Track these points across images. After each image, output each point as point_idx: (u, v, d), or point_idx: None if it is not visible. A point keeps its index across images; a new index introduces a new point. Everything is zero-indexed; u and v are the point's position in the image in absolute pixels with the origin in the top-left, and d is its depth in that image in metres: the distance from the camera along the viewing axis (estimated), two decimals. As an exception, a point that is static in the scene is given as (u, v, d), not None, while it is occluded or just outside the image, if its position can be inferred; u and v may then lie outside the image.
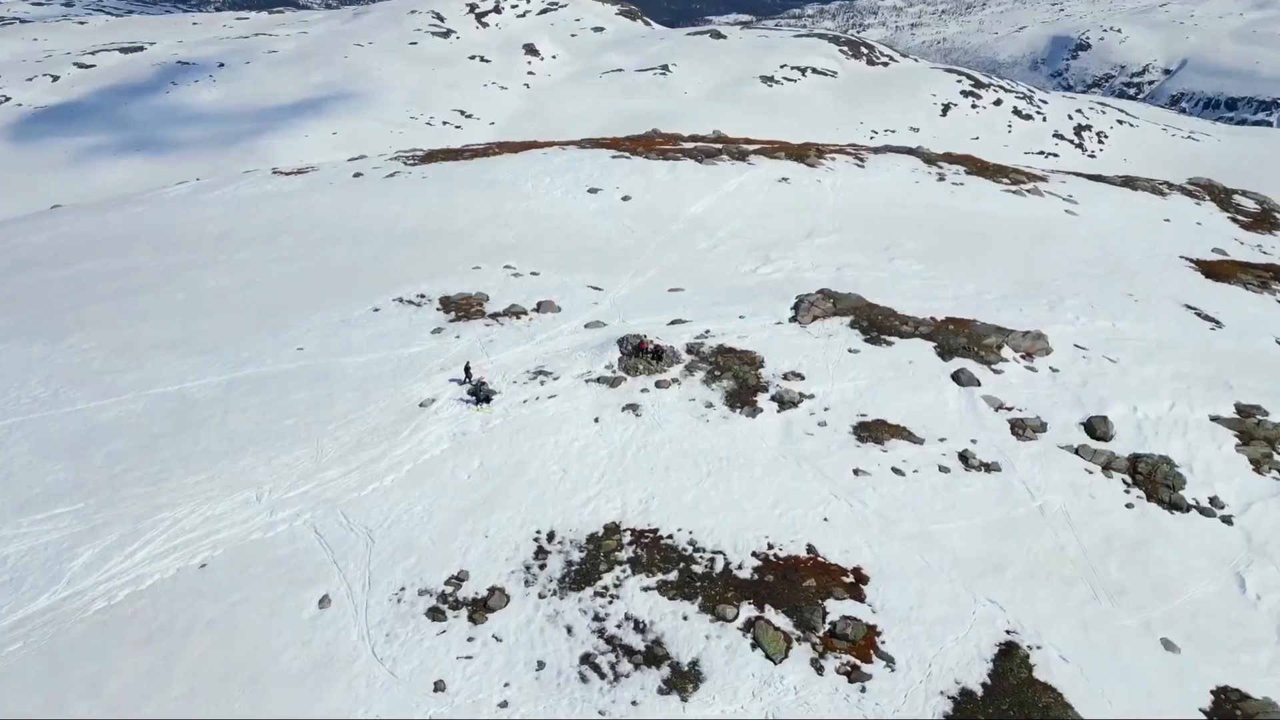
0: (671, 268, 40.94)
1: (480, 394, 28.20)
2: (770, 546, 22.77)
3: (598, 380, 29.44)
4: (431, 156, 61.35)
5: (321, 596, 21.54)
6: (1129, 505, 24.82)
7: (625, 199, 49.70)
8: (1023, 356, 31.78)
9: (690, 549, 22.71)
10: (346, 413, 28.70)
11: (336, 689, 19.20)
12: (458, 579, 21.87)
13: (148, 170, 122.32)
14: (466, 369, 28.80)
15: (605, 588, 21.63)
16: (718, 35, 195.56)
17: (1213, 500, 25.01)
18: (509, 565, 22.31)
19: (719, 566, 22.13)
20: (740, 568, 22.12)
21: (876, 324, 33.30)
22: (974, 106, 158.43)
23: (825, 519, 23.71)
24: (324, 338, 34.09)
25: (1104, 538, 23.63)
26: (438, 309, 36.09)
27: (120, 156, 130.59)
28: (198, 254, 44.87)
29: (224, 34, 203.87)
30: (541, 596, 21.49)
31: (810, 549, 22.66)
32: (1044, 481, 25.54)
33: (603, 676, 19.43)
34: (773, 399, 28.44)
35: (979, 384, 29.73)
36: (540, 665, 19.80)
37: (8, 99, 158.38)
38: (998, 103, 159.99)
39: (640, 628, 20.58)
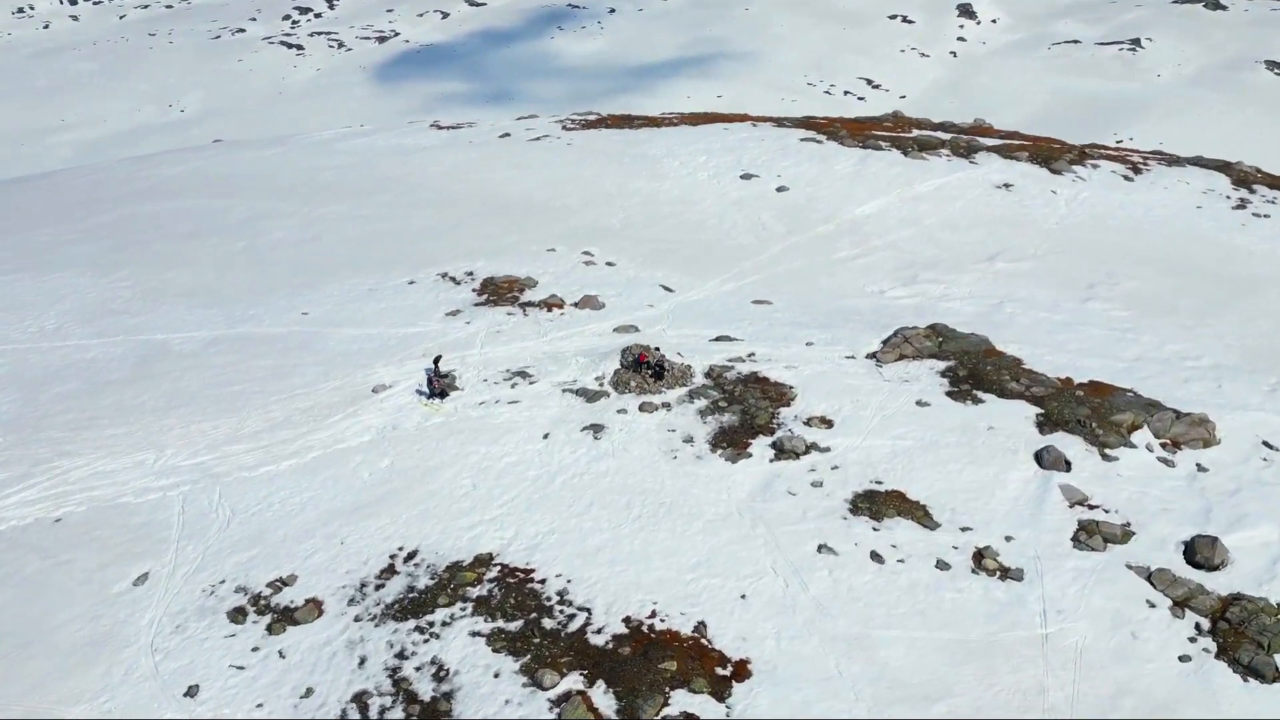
0: (781, 276, 40.57)
1: (435, 388, 29.68)
2: (653, 615, 22.47)
3: (576, 392, 30.08)
4: (600, 122, 64.01)
5: (143, 573, 23.86)
6: (1183, 658, 22.00)
7: (781, 190, 49.64)
8: (1164, 445, 28.79)
9: (555, 600, 22.91)
10: (296, 386, 31.31)
11: (92, 672, 21.36)
12: (282, 582, 23.44)
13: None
14: (436, 360, 30.38)
15: (431, 623, 22.33)
16: (1216, 5, 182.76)
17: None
18: (345, 579, 23.58)
19: (574, 625, 22.17)
20: (599, 632, 22.04)
21: (977, 376, 31.41)
22: None
23: (743, 596, 23.01)
24: (336, 305, 37.18)
25: (1113, 692, 21.15)
26: (474, 289, 38.20)
27: (468, 106, 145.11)
28: (288, 203, 50.13)
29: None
30: (358, 620, 22.57)
31: (699, 627, 22.15)
32: (1075, 605, 23.18)
33: (364, 720, 20.18)
34: (773, 445, 27.79)
35: (1068, 468, 27.37)
36: (308, 693, 20.89)
37: (397, 34, 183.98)
38: None
39: (441, 676, 21.14)
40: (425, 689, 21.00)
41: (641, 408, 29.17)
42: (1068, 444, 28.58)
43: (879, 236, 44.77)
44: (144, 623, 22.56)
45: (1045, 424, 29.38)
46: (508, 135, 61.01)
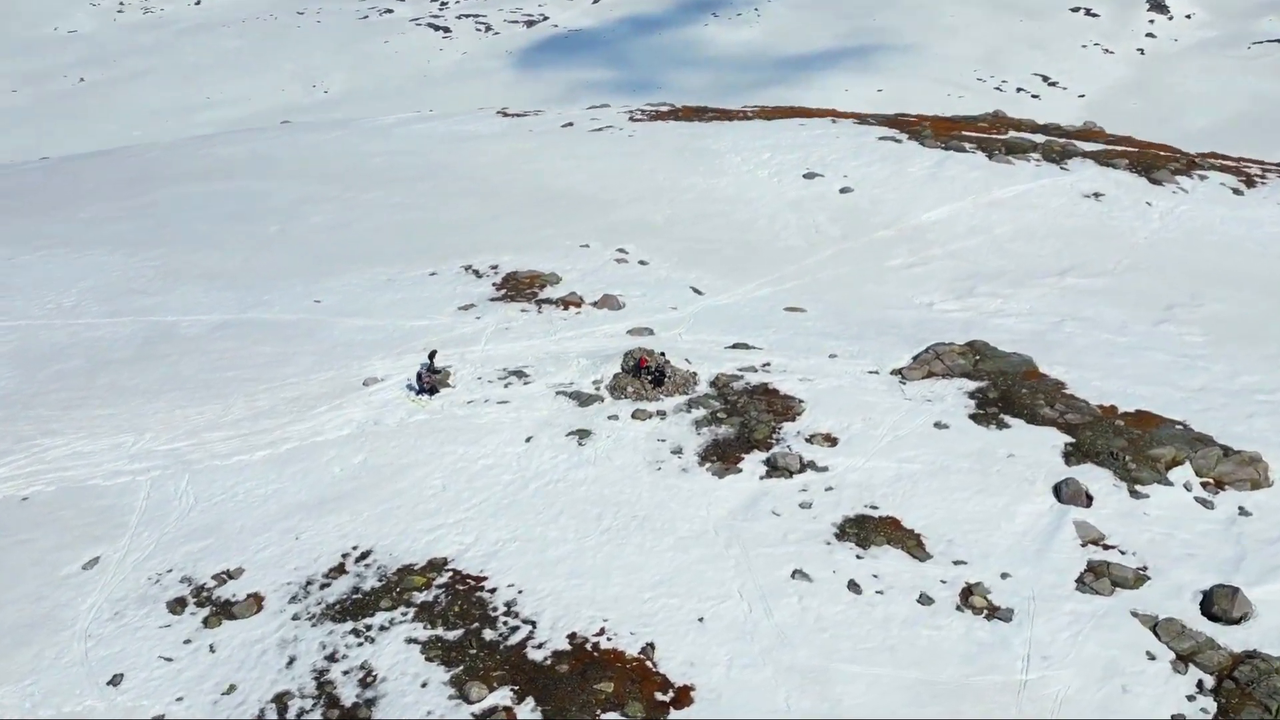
0: (823, 282, 40.25)
1: (424, 384, 30.23)
2: (601, 632, 22.54)
3: (571, 395, 30.33)
4: (671, 113, 64.30)
5: (94, 557, 24.84)
6: (1176, 717, 21.27)
7: (844, 191, 49.24)
8: (1205, 484, 27.86)
9: (502, 610, 23.15)
10: (289, 376, 32.22)
11: (23, 654, 22.30)
12: (229, 575, 24.17)
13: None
14: (431, 355, 30.95)
15: (369, 627, 22.76)
16: None
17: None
18: (292, 575, 24.19)
19: (516, 639, 22.37)
20: (540, 647, 22.19)
21: (1009, 399, 30.76)
22: None
23: (701, 619, 22.94)
24: (351, 294, 38.18)
25: (1086, 752, 20.53)
26: (494, 284, 38.80)
27: (608, 95, 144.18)
28: (332, 188, 51.67)
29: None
30: (296, 618, 23.12)
31: (647, 649, 22.15)
32: (1064, 652, 22.53)
33: (280, 722, 20.69)
34: (766, 461, 27.63)
35: (1088, 503, 26.64)
36: (230, 690, 21.49)
37: (545, 18, 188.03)
38: None
39: (367, 682, 21.53)
40: (349, 694, 21.35)
41: (634, 415, 29.20)
42: (1094, 477, 27.75)
43: (941, 245, 43.96)
44: (84, 607, 23.38)
45: (1074, 454, 28.55)
46: (570, 125, 61.64)
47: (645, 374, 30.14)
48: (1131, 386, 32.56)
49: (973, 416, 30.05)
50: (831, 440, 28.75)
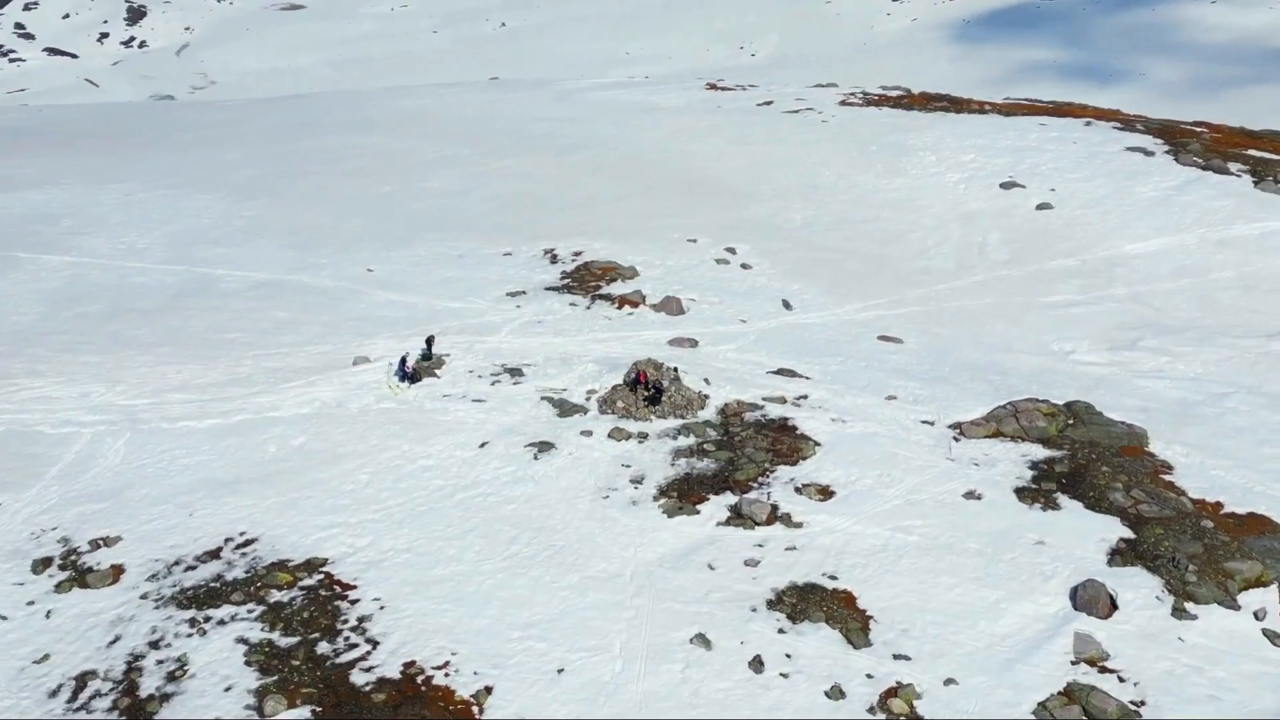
0: (947, 312, 38.79)
1: (406, 370, 31.51)
2: (443, 666, 22.73)
3: (555, 402, 30.79)
4: (893, 99, 63.23)
5: (-6, 504, 27.40)
6: None
7: (1041, 207, 47.17)
8: (1286, 614, 25.38)
9: (351, 624, 23.89)
10: (286, 344, 34.32)
11: (-123, 587, 24.96)
12: (104, 542, 26.11)
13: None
14: (429, 341, 32.23)
15: (209, 619, 24.03)
16: None
17: None
18: (164, 552, 25.84)
19: (348, 657, 22.99)
20: (369, 670, 22.62)
21: (1080, 476, 28.93)
22: None
23: (560, 670, 22.98)
24: (407, 267, 40.16)
25: None
26: (563, 272, 39.77)
27: (1047, 82, 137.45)
28: (474, 151, 54.81)
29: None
30: (144, 597, 24.73)
31: (480, 694, 22.35)
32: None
33: (69, 702, 22.33)
34: (732, 507, 27.26)
35: (1107, 614, 24.76)
36: (43, 659, 23.23)
37: None
38: None
39: (175, 676, 22.70)
40: (149, 685, 22.57)
41: (611, 433, 29.21)
42: (1135, 584, 25.59)
43: (1127, 284, 41.22)
44: (-46, 555, 25.70)
45: (1124, 553, 26.44)
46: (769, 104, 61.55)
47: (643, 389, 29.93)
48: (1265, 484, 29.64)
49: (1019, 490, 28.24)
50: (826, 493, 27.76)
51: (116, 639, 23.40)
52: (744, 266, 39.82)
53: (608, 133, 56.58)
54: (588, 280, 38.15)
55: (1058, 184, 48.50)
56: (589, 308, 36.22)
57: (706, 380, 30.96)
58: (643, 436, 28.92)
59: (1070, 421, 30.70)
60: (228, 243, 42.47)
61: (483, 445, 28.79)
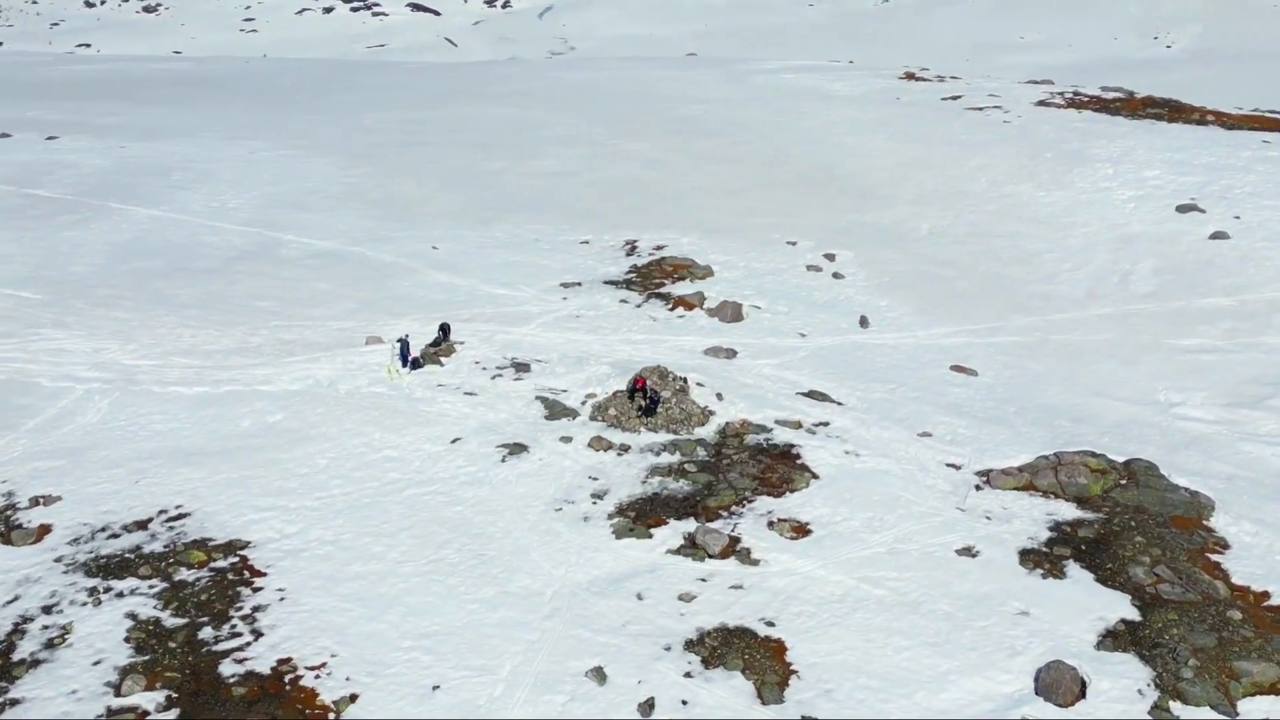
0: (1051, 345, 37.13)
1: (407, 355, 32.49)
2: (319, 667, 22.97)
3: (548, 403, 31.11)
4: (1095, 102, 61.05)
5: (-44, 450, 29.53)
6: None
7: (1215, 236, 44.75)
8: (1294, 731, 23.77)
9: (244, 611, 24.67)
10: (309, 317, 35.63)
11: None
12: (43, 500, 27.68)
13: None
14: (443, 327, 33.15)
15: (109, 589, 25.01)
16: None
17: None
18: (96, 517, 26.95)
19: (226, 646, 23.54)
20: (241, 662, 23.26)
21: (1106, 544, 27.35)
22: None
23: (436, 686, 23.34)
24: (475, 248, 41.31)
25: None
26: (633, 265, 40.08)
27: None
28: (603, 133, 55.19)
29: None
30: (58, 560, 25.99)
31: (342, 701, 22.87)
32: None
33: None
34: (688, 535, 27.20)
35: (1070, 702, 23.46)
36: (-70, 615, 24.98)
37: None
38: None
39: (52, 643, 23.54)
40: (26, 649, 23.62)
41: (592, 442, 29.25)
42: (1119, 673, 24.03)
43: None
44: (-103, 497, 27.75)
45: (1120, 637, 24.99)
46: (955, 98, 60.21)
47: (640, 397, 29.92)
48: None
49: (1024, 552, 26.89)
50: (802, 531, 27.08)
51: (15, 599, 24.56)
52: (836, 276, 39.00)
53: (759, 119, 56.51)
54: (654, 276, 38.04)
55: (1245, 211, 45.56)
56: (639, 306, 36.09)
57: (719, 395, 30.47)
58: (624, 449, 28.69)
59: (1122, 481, 29.02)
60: (314, 208, 44.15)
61: (454, 441, 29.07)
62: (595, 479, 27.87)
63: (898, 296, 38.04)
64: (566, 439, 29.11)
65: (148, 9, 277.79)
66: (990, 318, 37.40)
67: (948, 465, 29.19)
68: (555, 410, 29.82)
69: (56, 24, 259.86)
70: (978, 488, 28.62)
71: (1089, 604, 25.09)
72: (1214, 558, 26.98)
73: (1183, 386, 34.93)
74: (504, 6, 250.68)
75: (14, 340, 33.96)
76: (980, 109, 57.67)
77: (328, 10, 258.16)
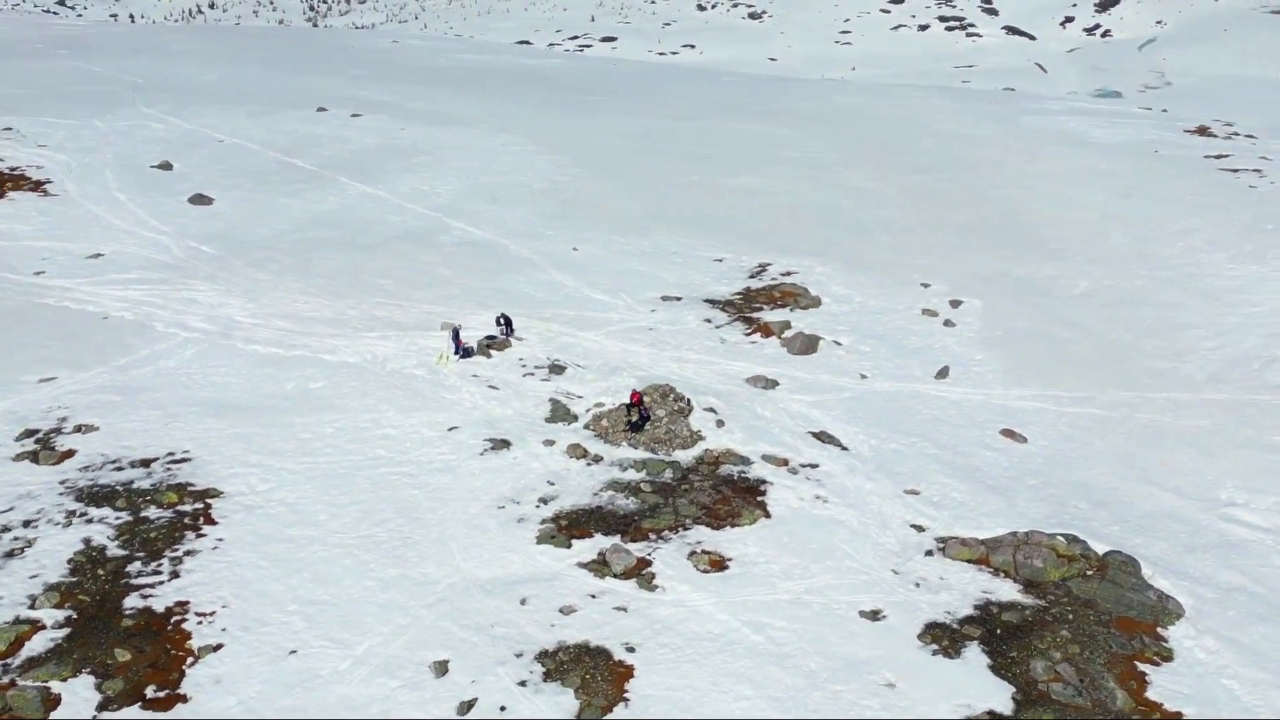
0: (1134, 424, 33.97)
1: (459, 345, 33.78)
2: (207, 615, 24.81)
3: (556, 405, 31.70)
4: None
5: (52, 377, 32.79)
6: None
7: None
8: None
9: (179, 554, 26.51)
10: (414, 299, 37.40)
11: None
12: (84, 428, 30.50)
13: None
14: (506, 321, 34.25)
15: (82, 515, 27.11)
16: None
17: None
18: (115, 450, 29.15)
19: (145, 581, 25.11)
20: (146, 598, 25.19)
21: (1024, 634, 25.81)
22: None
23: (294, 651, 23.95)
24: (612, 253, 42.62)
25: None
26: (743, 288, 39.82)
27: None
28: (832, 157, 54.51)
29: None
30: (63, 482, 28.16)
31: (204, 650, 24.28)
32: None
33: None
34: (601, 552, 27.32)
35: None
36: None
37: None
38: None
39: (12, 554, 25.80)
40: (-12, 569, 26.32)
41: (570, 449, 29.50)
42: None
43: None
44: (-27, 409, 31.05)
45: (974, 735, 23.35)
46: (1221, 157, 55.73)
47: (634, 411, 29.92)
48: (1293, 718, 24.39)
49: (931, 625, 25.35)
50: (719, 565, 26.40)
51: (9, 509, 27.19)
52: (947, 323, 36.97)
53: (989, 158, 54.21)
54: (755, 300, 37.32)
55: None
56: (719, 327, 35.56)
57: (720, 422, 29.87)
58: (596, 459, 28.63)
59: (1089, 572, 26.64)
60: (503, 200, 45.89)
61: (450, 429, 29.76)
62: (552, 484, 27.89)
63: (997, 352, 35.57)
64: (550, 442, 29.26)
65: (753, 15, 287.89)
66: (1086, 387, 34.41)
67: (912, 525, 27.37)
68: (558, 414, 30.02)
69: (669, 24, 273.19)
70: (929, 553, 26.75)
71: (964, 689, 23.39)
72: (1142, 667, 24.50)
73: (1254, 487, 31.19)
74: (1103, 35, 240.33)
75: (164, 287, 36.92)
76: (1235, 170, 52.43)
77: (923, 28, 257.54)
